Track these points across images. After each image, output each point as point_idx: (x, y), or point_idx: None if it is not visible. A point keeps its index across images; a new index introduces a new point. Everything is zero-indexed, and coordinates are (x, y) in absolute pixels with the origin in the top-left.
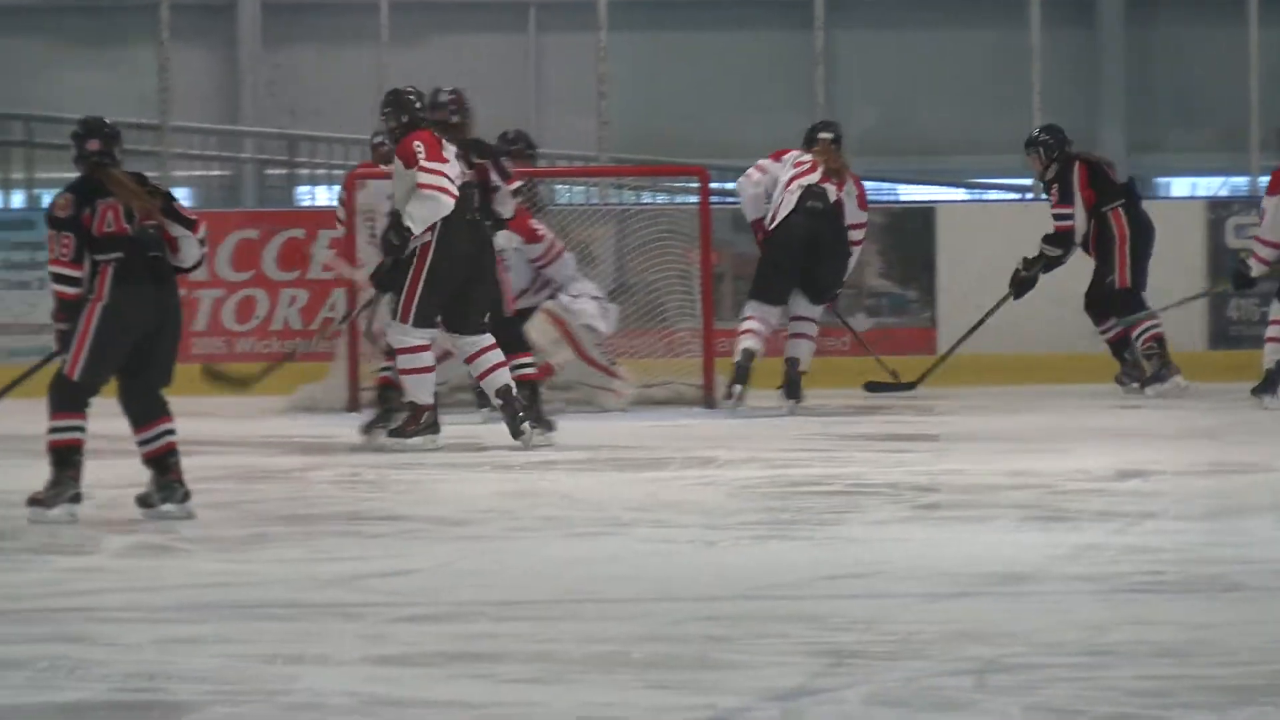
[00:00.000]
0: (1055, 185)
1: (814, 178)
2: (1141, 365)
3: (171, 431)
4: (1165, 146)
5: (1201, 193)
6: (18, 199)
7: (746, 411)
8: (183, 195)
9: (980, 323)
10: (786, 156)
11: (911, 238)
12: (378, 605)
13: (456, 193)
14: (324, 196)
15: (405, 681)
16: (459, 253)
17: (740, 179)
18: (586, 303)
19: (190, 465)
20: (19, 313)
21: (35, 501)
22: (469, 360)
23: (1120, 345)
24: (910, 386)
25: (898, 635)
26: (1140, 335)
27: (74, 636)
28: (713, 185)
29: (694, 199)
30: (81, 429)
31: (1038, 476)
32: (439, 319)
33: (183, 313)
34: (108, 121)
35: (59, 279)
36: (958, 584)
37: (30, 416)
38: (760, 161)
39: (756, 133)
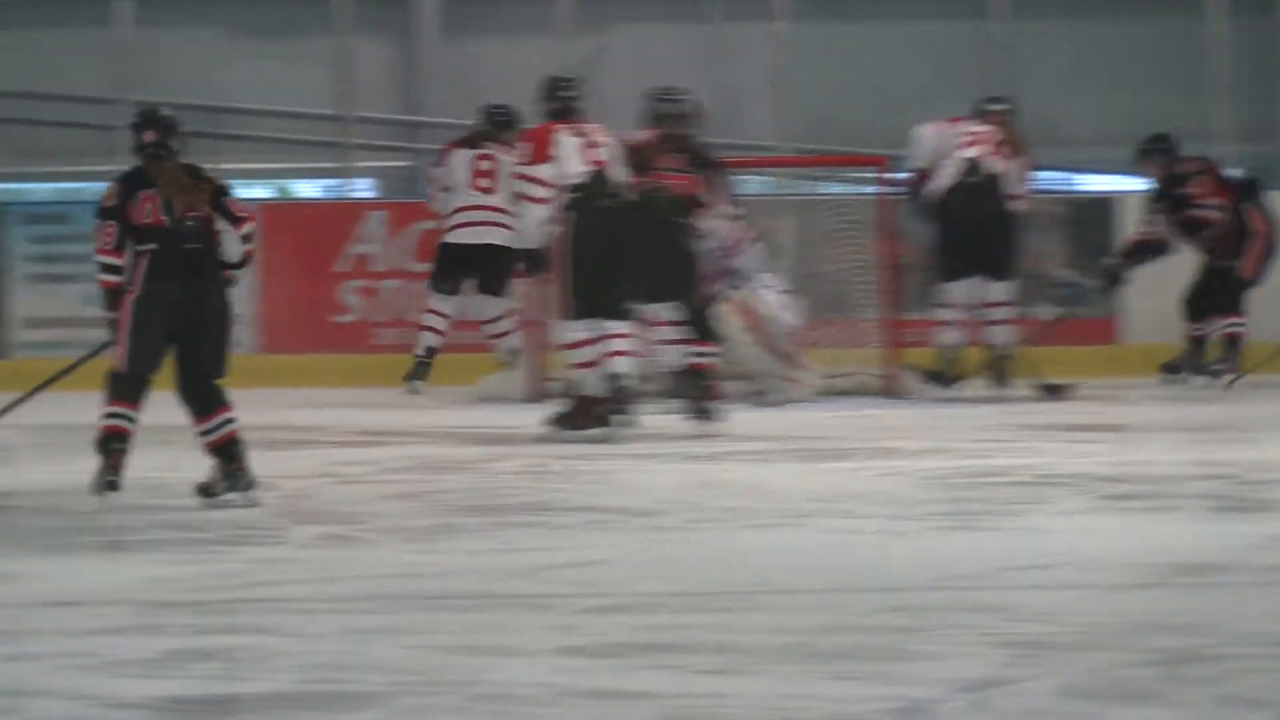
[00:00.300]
0: (1193, 179)
1: (977, 151)
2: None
3: (232, 420)
4: None
5: None
6: None
7: (930, 401)
8: (364, 186)
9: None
10: (959, 125)
11: (1091, 227)
12: (564, 596)
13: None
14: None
15: (592, 672)
16: (594, 240)
17: (916, 129)
18: (773, 295)
19: (376, 456)
20: None
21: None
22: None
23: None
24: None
25: (1085, 626)
26: (1226, 327)
27: (261, 627)
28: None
29: (874, 189)
30: (129, 418)
31: (1224, 466)
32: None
33: (230, 306)
34: (165, 112)
35: (102, 267)
36: (1145, 575)
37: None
38: (931, 127)
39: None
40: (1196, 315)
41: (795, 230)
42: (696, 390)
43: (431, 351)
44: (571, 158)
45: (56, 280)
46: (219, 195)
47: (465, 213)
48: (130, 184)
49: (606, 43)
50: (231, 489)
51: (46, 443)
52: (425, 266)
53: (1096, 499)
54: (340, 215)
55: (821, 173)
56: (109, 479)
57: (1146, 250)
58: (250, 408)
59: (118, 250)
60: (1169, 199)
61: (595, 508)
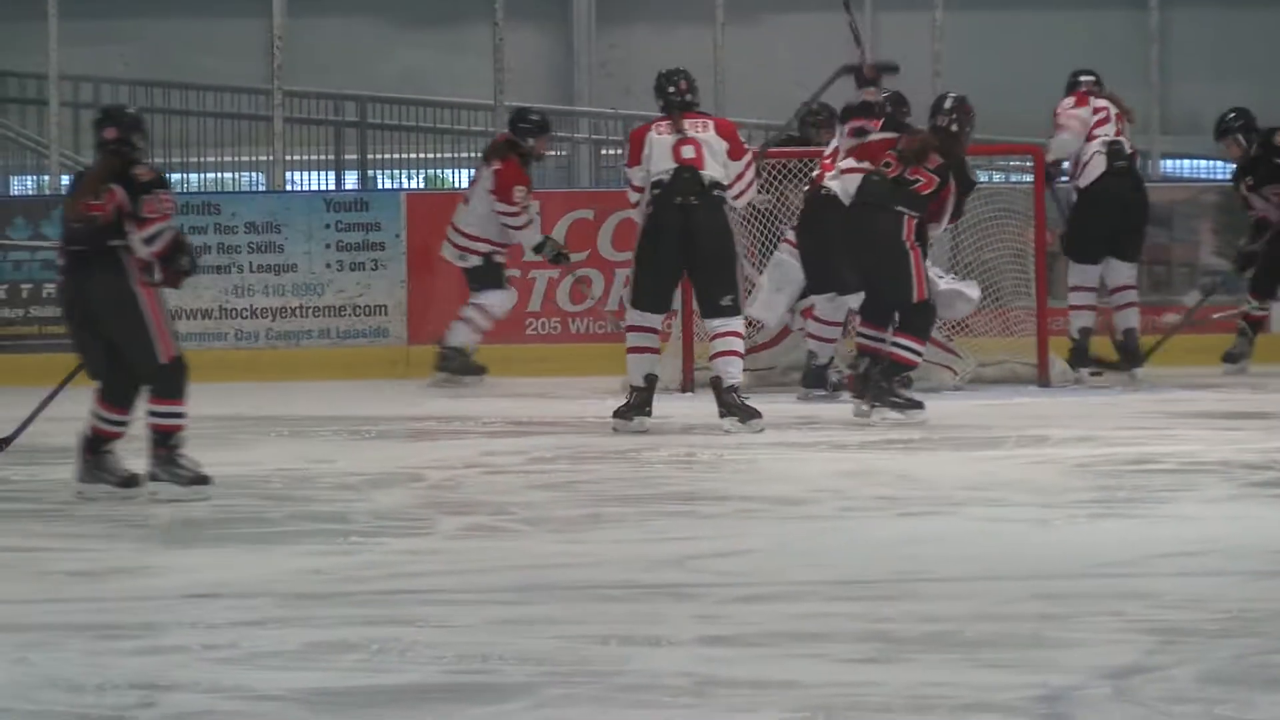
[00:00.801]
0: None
1: (1112, 128)
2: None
3: (156, 413)
4: None
5: None
6: (350, 179)
7: (1080, 389)
8: None
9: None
10: (1089, 103)
11: (1243, 216)
12: (711, 585)
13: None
14: None
15: (738, 662)
16: (665, 236)
17: (1063, 127)
18: (944, 283)
19: (525, 445)
20: (353, 294)
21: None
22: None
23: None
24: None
25: (1230, 613)
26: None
27: (406, 619)
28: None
29: (1029, 178)
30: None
31: None
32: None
33: (127, 304)
34: (129, 110)
35: None
36: None
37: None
38: (1071, 111)
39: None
40: (1267, 293)
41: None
42: (891, 382)
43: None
44: (663, 157)
45: (204, 271)
46: (137, 195)
47: None
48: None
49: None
50: (80, 482)
51: (192, 434)
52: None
53: (1242, 486)
54: None
55: (978, 161)
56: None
57: (1266, 228)
58: (398, 399)
59: None
60: (1261, 173)
61: (743, 497)
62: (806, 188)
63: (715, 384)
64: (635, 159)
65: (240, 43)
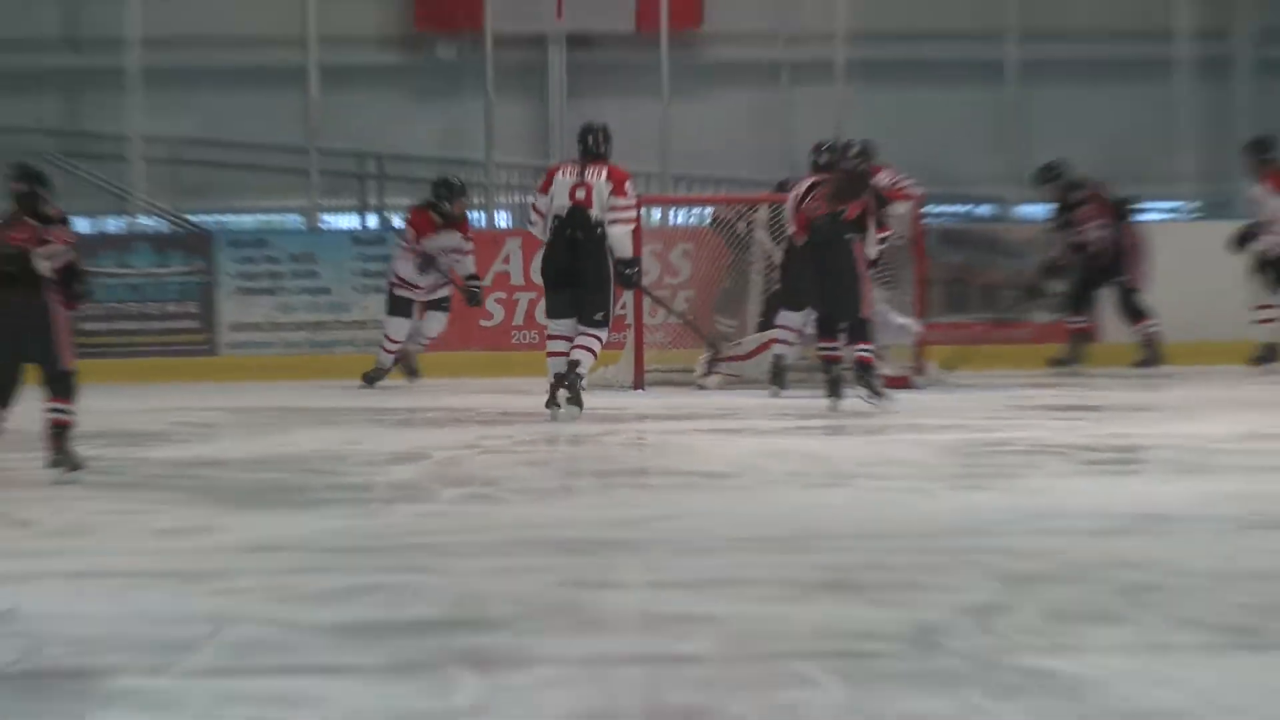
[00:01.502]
0: (1083, 205)
1: None
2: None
3: (56, 410)
4: None
5: None
6: (372, 220)
7: (948, 388)
8: (502, 219)
9: None
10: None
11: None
12: (656, 541)
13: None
14: None
15: (680, 602)
16: (559, 261)
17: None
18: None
19: (511, 432)
20: (374, 311)
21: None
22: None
23: None
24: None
25: (1067, 563)
26: (1147, 329)
27: (418, 567)
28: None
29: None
30: None
31: (1180, 438)
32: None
33: (45, 314)
34: (33, 167)
35: None
36: (1115, 523)
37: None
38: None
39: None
40: (1080, 309)
41: None
42: (866, 379)
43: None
44: (562, 195)
45: (255, 293)
46: (44, 229)
47: None
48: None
49: None
50: (50, 463)
51: (245, 422)
52: None
53: (1079, 464)
54: (484, 242)
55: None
56: None
57: (1054, 269)
58: (413, 395)
59: None
60: (1064, 220)
61: (683, 471)
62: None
63: (570, 367)
64: (544, 190)
65: (284, 111)
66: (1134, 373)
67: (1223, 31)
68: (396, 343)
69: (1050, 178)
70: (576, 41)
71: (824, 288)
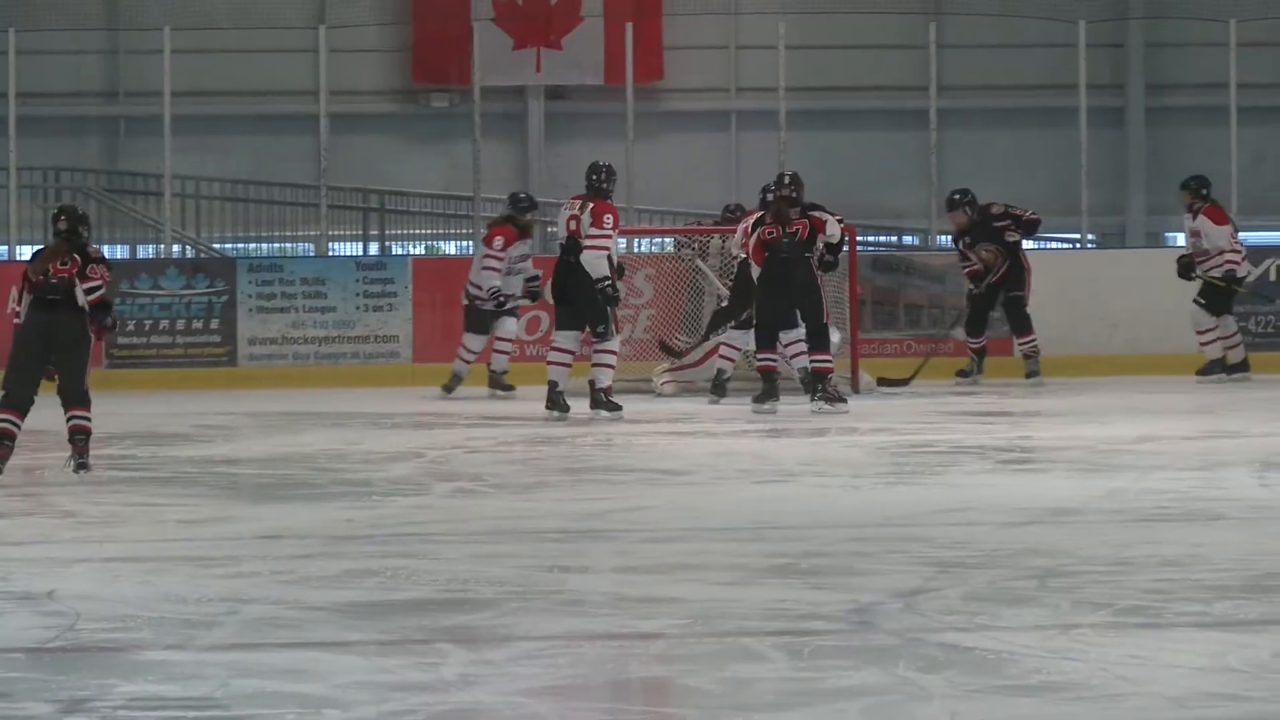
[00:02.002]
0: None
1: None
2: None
3: (80, 417)
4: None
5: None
6: (373, 248)
7: (878, 395)
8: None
9: None
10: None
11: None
12: (623, 531)
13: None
14: None
15: (642, 584)
16: (555, 281)
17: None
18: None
19: (494, 434)
20: (374, 327)
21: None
22: None
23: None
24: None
25: (985, 552)
26: (1028, 344)
27: (411, 553)
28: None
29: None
30: (8, 421)
31: (1083, 440)
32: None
33: (84, 337)
34: (77, 210)
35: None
36: (1026, 515)
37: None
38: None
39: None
40: (978, 331)
41: None
42: (823, 386)
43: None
44: (561, 224)
45: (271, 311)
46: (84, 264)
47: None
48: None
49: None
50: (70, 464)
51: (260, 425)
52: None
53: (994, 464)
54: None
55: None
56: None
57: (979, 279)
58: (407, 401)
59: (18, 301)
60: (976, 235)
61: (645, 469)
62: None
63: (590, 386)
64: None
65: (298, 153)
66: (1026, 383)
67: (1118, 84)
68: (474, 353)
69: (962, 203)
70: (553, 93)
71: (785, 300)
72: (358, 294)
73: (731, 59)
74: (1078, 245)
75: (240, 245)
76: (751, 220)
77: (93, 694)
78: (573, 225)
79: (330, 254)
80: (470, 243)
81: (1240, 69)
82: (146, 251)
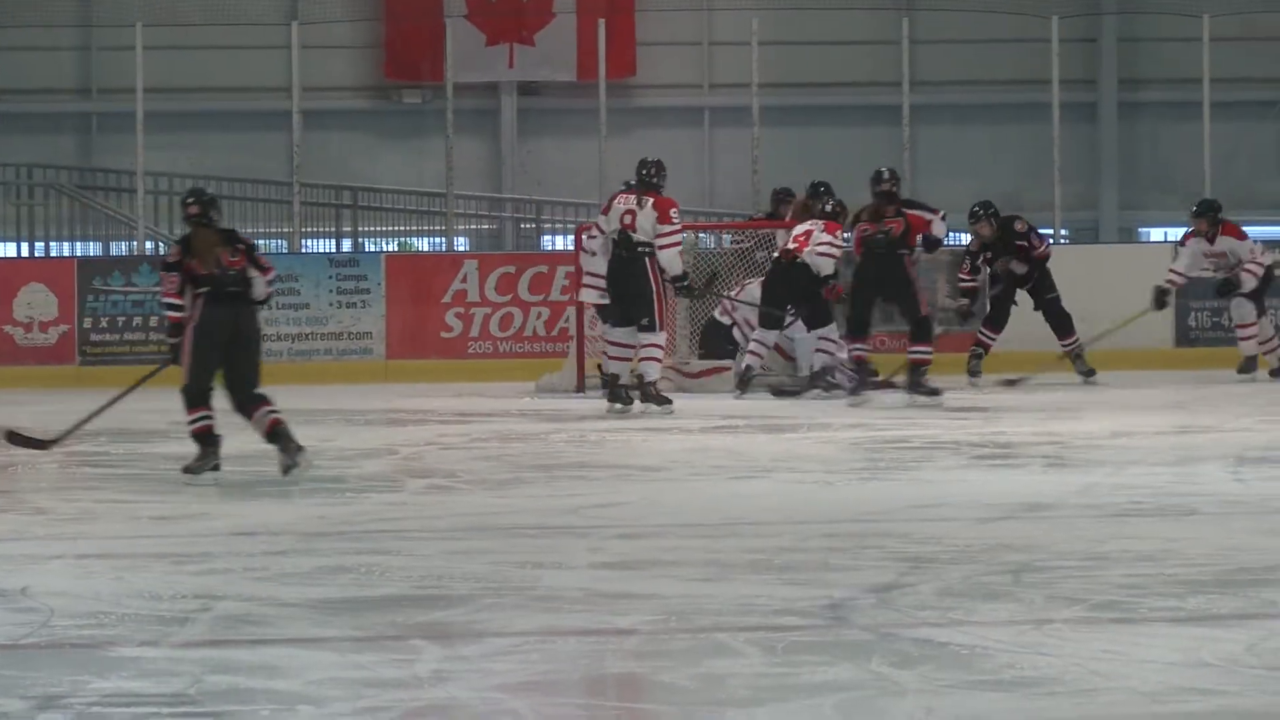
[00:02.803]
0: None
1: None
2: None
3: (274, 411)
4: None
5: (1170, 239)
6: (346, 244)
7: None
8: (460, 243)
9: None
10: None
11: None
12: (597, 527)
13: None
14: (560, 243)
15: (617, 580)
16: (611, 275)
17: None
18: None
19: (465, 430)
20: (347, 324)
21: (187, 470)
22: None
23: None
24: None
25: (959, 547)
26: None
27: (385, 549)
28: None
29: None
30: (208, 417)
31: (1056, 435)
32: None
33: (260, 330)
34: (207, 192)
35: (167, 306)
36: (1000, 511)
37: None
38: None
39: None
40: (1000, 327)
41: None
42: (917, 378)
43: None
44: (614, 219)
45: None
46: (251, 251)
47: None
48: (186, 245)
49: None
50: (203, 469)
51: (233, 422)
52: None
53: (968, 459)
54: (445, 263)
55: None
56: (214, 463)
57: (972, 294)
58: (381, 397)
59: (179, 294)
60: (997, 249)
61: (620, 465)
62: (776, 255)
63: (639, 380)
64: (605, 212)
65: (270, 149)
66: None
67: (1090, 79)
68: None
69: (985, 215)
70: (525, 89)
71: (878, 296)
72: (331, 290)
73: (705, 55)
74: (1051, 240)
75: None
76: (853, 215)
77: (66, 690)
78: (628, 220)
79: (303, 250)
80: (442, 239)
81: (1213, 64)
82: (120, 248)
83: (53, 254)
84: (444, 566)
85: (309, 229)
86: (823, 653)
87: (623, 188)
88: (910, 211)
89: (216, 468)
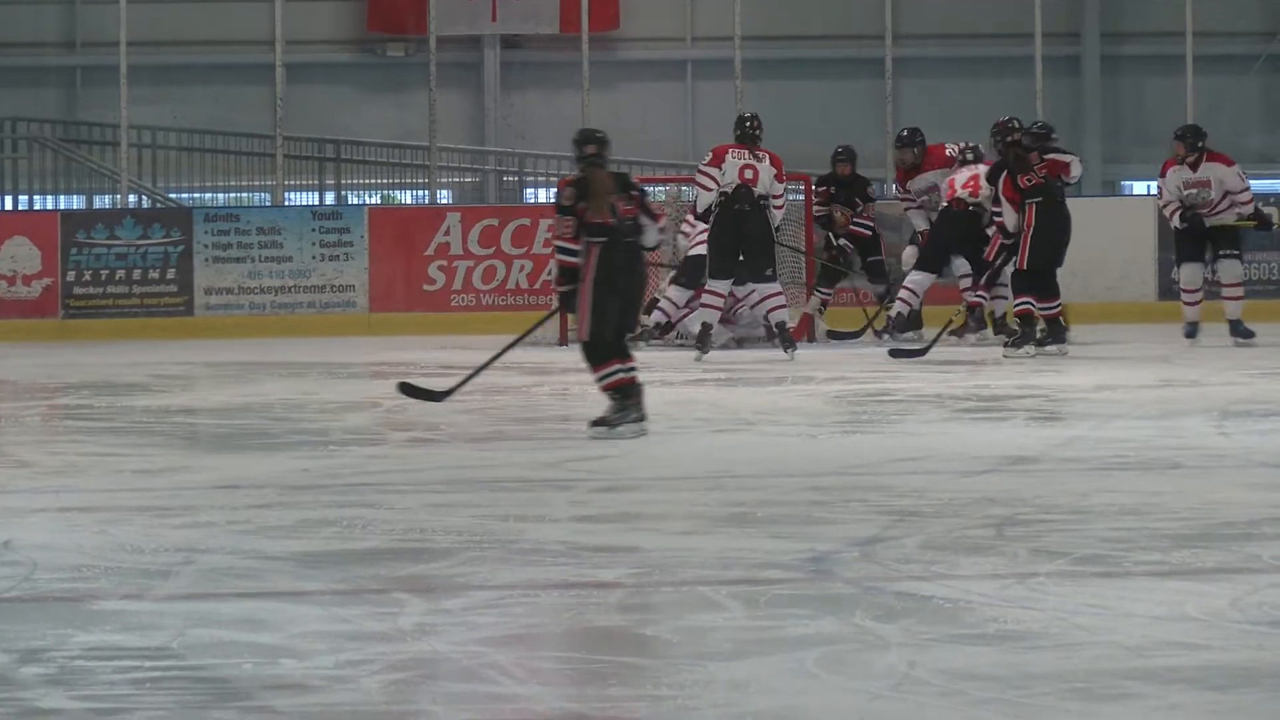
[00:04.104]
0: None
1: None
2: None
3: (632, 369)
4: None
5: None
6: (329, 198)
7: (833, 345)
8: (443, 196)
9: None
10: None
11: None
12: (580, 480)
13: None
14: (543, 196)
15: (600, 533)
16: (728, 229)
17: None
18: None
19: (448, 384)
20: (330, 277)
21: (600, 422)
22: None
23: None
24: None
25: (942, 500)
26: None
27: (368, 502)
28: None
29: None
30: (622, 370)
31: (1040, 389)
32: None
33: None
34: (600, 132)
35: (562, 250)
36: (983, 464)
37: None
38: None
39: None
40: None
41: None
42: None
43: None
44: (732, 172)
45: (227, 261)
46: (642, 197)
47: None
48: (582, 189)
49: None
50: (623, 421)
51: (217, 375)
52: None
53: (951, 412)
54: (428, 216)
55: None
56: (636, 415)
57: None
58: (364, 350)
59: (575, 238)
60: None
61: None
62: (944, 204)
63: (775, 324)
64: (715, 164)
65: (254, 102)
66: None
67: (1074, 33)
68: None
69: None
70: (508, 42)
71: (1063, 243)
72: (314, 243)
73: (687, 7)
74: None
75: (196, 195)
76: (965, 172)
77: (49, 644)
78: (749, 175)
79: (286, 203)
80: (425, 192)
81: (1196, 17)
82: (103, 201)
83: (36, 207)
84: (427, 520)
85: (292, 182)
86: (805, 606)
87: (732, 141)
88: (1050, 156)
89: (640, 418)
